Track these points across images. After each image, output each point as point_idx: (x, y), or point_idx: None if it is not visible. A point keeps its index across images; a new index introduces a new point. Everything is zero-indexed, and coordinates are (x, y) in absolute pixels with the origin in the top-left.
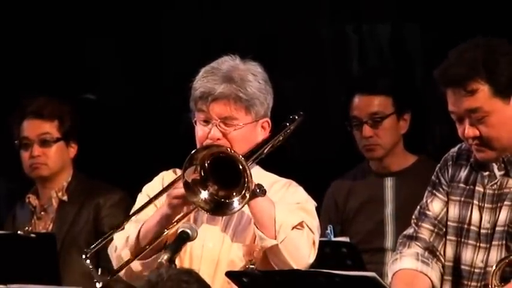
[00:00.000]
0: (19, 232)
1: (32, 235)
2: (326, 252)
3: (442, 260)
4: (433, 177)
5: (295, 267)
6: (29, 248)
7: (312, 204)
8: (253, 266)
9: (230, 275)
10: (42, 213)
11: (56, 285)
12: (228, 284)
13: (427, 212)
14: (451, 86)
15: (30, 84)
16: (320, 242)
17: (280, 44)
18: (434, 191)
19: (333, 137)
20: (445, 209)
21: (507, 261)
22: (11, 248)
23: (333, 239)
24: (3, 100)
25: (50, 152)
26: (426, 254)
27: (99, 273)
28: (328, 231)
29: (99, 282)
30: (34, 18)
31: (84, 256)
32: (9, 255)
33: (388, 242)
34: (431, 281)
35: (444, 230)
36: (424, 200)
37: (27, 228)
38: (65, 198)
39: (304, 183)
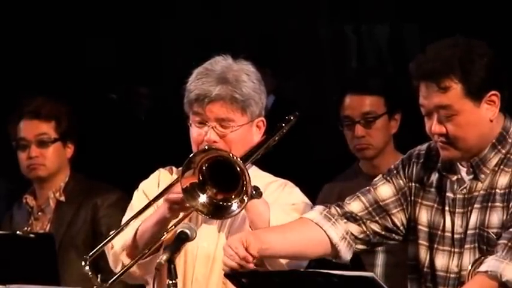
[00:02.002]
0: (18, 232)
1: (31, 235)
2: None
3: (370, 234)
4: (392, 166)
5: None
6: (28, 248)
7: (307, 205)
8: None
9: (229, 275)
10: (40, 213)
11: (55, 285)
12: (223, 284)
13: (372, 192)
14: (425, 79)
15: (30, 84)
16: None
17: (280, 45)
18: (388, 178)
19: (331, 137)
20: (393, 198)
21: (482, 260)
22: (10, 248)
23: None
24: (2, 100)
25: (47, 153)
26: (337, 215)
27: (99, 279)
28: None
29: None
30: (34, 19)
31: (83, 263)
32: (8, 256)
33: None
34: (328, 235)
35: (382, 215)
36: (374, 181)
37: (26, 228)
38: (63, 198)
39: (302, 183)
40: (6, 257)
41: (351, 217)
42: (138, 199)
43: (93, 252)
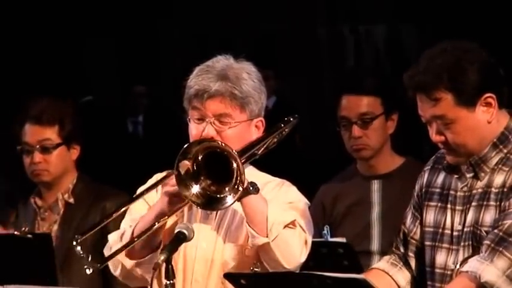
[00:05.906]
0: (15, 232)
1: (29, 235)
2: (323, 252)
3: (413, 267)
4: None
5: (286, 266)
6: (26, 249)
7: (304, 203)
8: (257, 269)
9: (228, 276)
10: (47, 213)
11: (53, 285)
12: (222, 284)
13: (402, 226)
14: (417, 92)
15: (30, 84)
16: (317, 242)
17: (278, 45)
18: (411, 203)
19: (329, 137)
20: (415, 223)
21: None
22: (8, 248)
23: (330, 239)
24: (3, 101)
25: (51, 158)
26: (398, 259)
27: (90, 259)
28: (325, 231)
29: (89, 269)
30: (34, 20)
31: (74, 242)
32: (6, 256)
33: (374, 245)
34: (395, 280)
35: (414, 241)
36: (407, 209)
37: (24, 228)
38: (72, 200)
39: (301, 183)
40: (3, 257)
41: (406, 259)
42: (137, 204)
43: (83, 232)
